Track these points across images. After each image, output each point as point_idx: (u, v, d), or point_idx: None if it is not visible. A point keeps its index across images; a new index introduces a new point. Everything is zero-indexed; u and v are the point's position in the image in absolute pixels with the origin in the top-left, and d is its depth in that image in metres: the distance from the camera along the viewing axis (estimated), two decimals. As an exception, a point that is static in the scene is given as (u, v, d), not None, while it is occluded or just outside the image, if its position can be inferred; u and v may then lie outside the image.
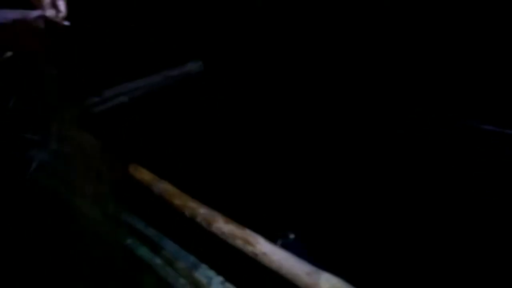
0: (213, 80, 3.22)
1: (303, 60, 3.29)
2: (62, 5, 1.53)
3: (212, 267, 1.52)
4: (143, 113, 2.79)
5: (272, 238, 1.32)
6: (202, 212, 1.51)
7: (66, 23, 1.68)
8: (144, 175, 1.79)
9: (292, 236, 1.82)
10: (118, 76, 2.78)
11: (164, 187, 1.68)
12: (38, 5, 1.58)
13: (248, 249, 1.34)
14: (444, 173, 2.55)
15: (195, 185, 1.75)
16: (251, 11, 3.51)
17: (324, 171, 2.63)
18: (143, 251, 1.77)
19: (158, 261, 1.70)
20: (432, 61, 2.85)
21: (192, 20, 3.35)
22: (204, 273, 1.50)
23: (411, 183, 2.49)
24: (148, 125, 2.75)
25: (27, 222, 1.96)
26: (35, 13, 1.48)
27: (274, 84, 3.33)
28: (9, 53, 1.64)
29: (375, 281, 1.57)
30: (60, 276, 1.84)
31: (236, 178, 2.41)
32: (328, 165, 2.68)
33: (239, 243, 1.36)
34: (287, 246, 1.39)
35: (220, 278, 1.47)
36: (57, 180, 2.21)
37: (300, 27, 3.28)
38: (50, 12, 1.51)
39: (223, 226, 1.42)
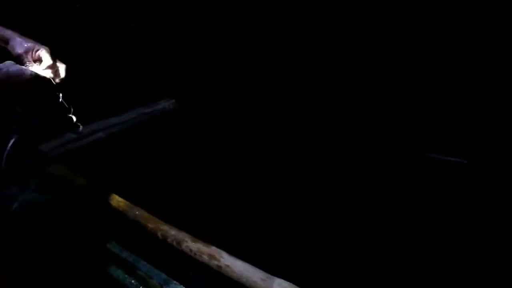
0: (186, 117, 3.45)
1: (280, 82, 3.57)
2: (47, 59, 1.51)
3: (181, 282, 1.69)
4: (120, 147, 2.97)
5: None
6: (172, 233, 1.69)
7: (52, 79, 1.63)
8: (119, 202, 1.95)
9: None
10: (93, 113, 2.97)
11: (138, 213, 1.85)
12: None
13: (213, 263, 1.52)
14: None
15: (166, 210, 1.93)
16: (225, 52, 3.81)
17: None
18: (119, 273, 1.92)
19: (132, 281, 1.86)
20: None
21: (165, 60, 3.63)
22: (174, 288, 1.68)
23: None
24: (124, 158, 2.92)
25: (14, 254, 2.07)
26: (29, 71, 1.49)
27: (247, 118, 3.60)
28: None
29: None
30: None
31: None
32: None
33: (205, 258, 1.55)
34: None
35: (189, 292, 1.64)
36: (37, 211, 2.34)
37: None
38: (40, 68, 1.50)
39: (191, 244, 1.61)
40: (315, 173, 3.14)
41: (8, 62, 1.33)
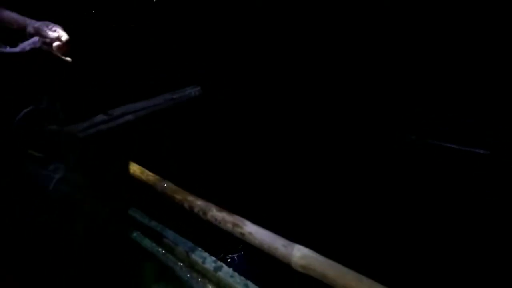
0: (211, 103, 3.57)
1: (299, 73, 3.67)
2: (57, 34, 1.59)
3: (206, 250, 1.80)
4: (148, 130, 3.10)
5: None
6: (199, 203, 1.79)
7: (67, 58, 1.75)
8: (149, 176, 2.07)
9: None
10: (123, 98, 3.12)
11: (166, 185, 1.96)
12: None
13: (237, 230, 1.61)
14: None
15: (193, 184, 2.04)
16: (247, 42, 3.91)
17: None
18: (147, 242, 2.04)
19: (159, 249, 1.97)
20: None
21: (192, 49, 3.76)
22: (199, 254, 1.78)
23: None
24: (153, 138, 3.05)
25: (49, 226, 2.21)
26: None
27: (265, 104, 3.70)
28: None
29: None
30: (73, 268, 2.08)
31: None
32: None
33: (229, 226, 1.64)
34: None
35: (213, 258, 1.74)
36: (71, 187, 2.49)
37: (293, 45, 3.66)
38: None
39: (217, 214, 1.70)
40: (332, 154, 3.23)
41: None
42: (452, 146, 3.04)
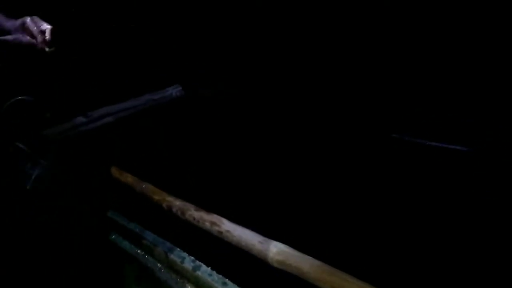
0: (192, 104, 3.56)
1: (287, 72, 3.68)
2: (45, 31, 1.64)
3: (184, 249, 1.79)
4: (129, 131, 3.08)
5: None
6: (177, 203, 1.79)
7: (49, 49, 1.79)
8: (128, 178, 2.06)
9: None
10: (101, 99, 3.09)
11: (145, 186, 1.95)
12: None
13: (214, 229, 1.62)
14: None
15: (171, 185, 2.04)
16: (231, 42, 3.91)
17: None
18: (126, 244, 2.03)
19: (139, 251, 1.97)
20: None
21: (173, 49, 3.74)
22: (178, 254, 1.78)
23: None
24: (132, 140, 3.03)
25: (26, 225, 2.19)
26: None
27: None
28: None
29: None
30: (49, 268, 2.06)
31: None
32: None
33: (207, 225, 1.65)
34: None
35: (191, 257, 1.74)
36: (49, 186, 2.47)
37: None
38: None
39: (195, 213, 1.71)
40: (316, 147, 3.25)
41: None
42: (436, 144, 3.10)
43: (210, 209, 1.72)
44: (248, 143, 3.36)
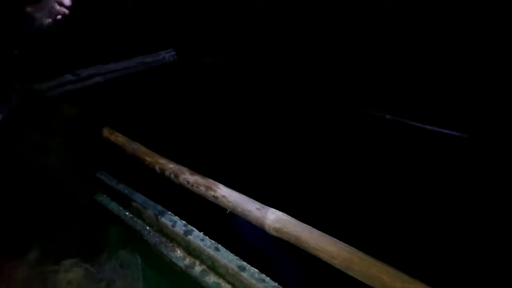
0: (186, 68, 3.47)
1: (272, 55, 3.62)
2: None
3: (176, 213, 1.75)
4: (119, 93, 2.98)
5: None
6: (171, 166, 1.72)
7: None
8: (118, 137, 1.98)
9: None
10: (92, 58, 2.96)
11: (136, 147, 1.88)
12: None
13: (210, 194, 1.57)
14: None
15: (165, 148, 1.97)
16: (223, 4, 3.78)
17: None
18: (114, 205, 1.97)
19: (127, 213, 1.91)
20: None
21: (167, 11, 3.60)
22: (169, 218, 1.73)
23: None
24: (124, 102, 2.94)
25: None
26: None
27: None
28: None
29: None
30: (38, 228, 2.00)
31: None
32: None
33: (202, 189, 1.60)
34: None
35: (183, 222, 1.70)
36: (33, 148, 2.37)
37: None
38: None
39: (189, 177, 1.65)
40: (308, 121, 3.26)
41: None
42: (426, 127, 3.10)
43: (206, 175, 1.67)
44: (242, 109, 3.31)
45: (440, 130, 3.00)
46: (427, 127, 3.04)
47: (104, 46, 3.17)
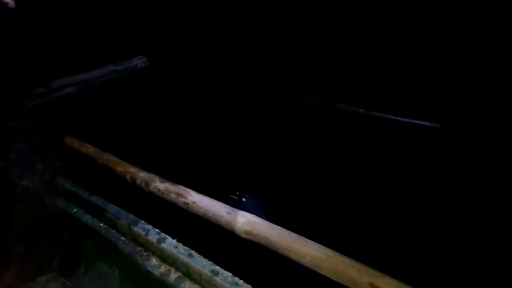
0: (159, 75, 3.44)
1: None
2: None
3: (149, 222, 1.73)
4: (91, 103, 2.94)
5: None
6: (141, 175, 1.72)
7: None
8: (89, 149, 1.96)
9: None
10: (63, 68, 2.92)
11: (107, 157, 1.86)
12: None
13: (180, 200, 1.57)
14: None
15: (135, 157, 1.96)
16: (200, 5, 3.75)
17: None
18: (87, 218, 1.94)
19: (101, 224, 1.89)
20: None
21: (139, 16, 3.57)
22: (142, 227, 1.71)
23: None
24: (95, 112, 2.90)
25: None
26: None
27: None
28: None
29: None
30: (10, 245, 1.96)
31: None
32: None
33: (173, 196, 1.59)
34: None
35: (156, 230, 1.69)
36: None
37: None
38: None
39: (159, 184, 1.65)
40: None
41: None
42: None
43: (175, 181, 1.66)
44: (214, 114, 3.30)
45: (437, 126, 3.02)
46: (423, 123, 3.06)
47: (75, 55, 3.12)
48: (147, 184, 1.69)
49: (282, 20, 3.35)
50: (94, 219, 1.92)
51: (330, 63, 3.25)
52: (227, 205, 1.46)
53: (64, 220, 2.01)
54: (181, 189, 1.60)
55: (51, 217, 2.05)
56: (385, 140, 2.96)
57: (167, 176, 1.76)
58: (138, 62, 3.23)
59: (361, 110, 3.04)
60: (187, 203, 1.55)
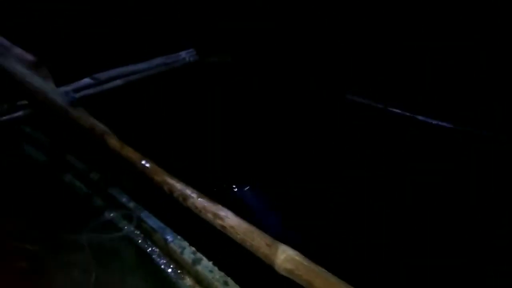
0: (209, 70, 3.34)
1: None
2: None
3: (185, 238, 1.64)
4: (138, 97, 2.90)
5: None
6: (179, 188, 1.61)
7: None
8: (129, 153, 1.89)
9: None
10: (112, 60, 2.88)
11: (147, 164, 1.78)
12: None
13: (217, 222, 1.45)
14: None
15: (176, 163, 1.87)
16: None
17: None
18: (124, 224, 1.89)
19: (138, 233, 1.83)
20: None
21: (188, 9, 3.46)
22: (179, 244, 1.63)
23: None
24: (141, 108, 2.86)
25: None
26: None
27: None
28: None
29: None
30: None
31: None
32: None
33: (209, 217, 1.47)
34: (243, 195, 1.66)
35: (192, 249, 1.59)
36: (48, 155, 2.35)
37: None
38: None
39: (197, 201, 1.53)
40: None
41: None
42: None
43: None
44: (257, 111, 3.20)
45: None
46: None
47: (124, 47, 3.09)
48: (184, 199, 1.58)
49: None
50: (131, 227, 1.87)
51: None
52: (266, 236, 1.32)
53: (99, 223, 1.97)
54: (220, 208, 1.48)
55: (91, 218, 2.01)
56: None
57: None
58: (187, 55, 3.13)
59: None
60: (224, 227, 1.42)
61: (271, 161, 2.86)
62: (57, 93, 2.40)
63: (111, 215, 1.94)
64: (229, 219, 1.43)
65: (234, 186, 2.73)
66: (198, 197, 1.56)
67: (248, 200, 2.60)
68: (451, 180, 2.57)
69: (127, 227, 1.86)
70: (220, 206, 1.49)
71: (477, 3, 2.55)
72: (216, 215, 1.46)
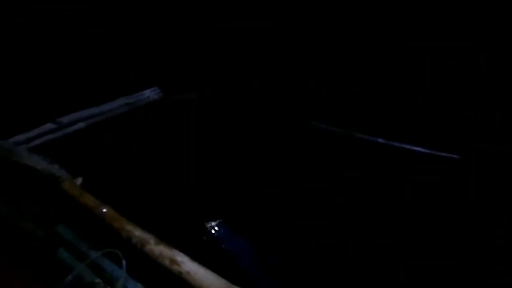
0: (174, 108, 3.36)
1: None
2: None
3: (143, 283, 1.61)
4: (100, 139, 2.88)
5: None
6: (137, 234, 1.60)
7: None
8: (88, 200, 1.87)
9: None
10: (73, 103, 2.88)
11: (105, 211, 1.76)
12: None
13: (175, 268, 1.44)
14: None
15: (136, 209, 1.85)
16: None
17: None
18: (87, 273, 1.84)
19: (99, 281, 1.78)
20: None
21: (151, 48, 3.51)
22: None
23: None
24: (106, 149, 2.84)
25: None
26: None
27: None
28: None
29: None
30: None
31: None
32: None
33: (166, 263, 1.46)
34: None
35: (151, 296, 1.56)
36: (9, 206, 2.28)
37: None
38: None
39: (154, 248, 1.52)
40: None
41: None
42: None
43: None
44: (226, 144, 3.21)
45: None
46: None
47: (86, 89, 3.09)
48: (142, 245, 1.57)
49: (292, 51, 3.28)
50: (93, 275, 1.82)
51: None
52: (222, 280, 1.32)
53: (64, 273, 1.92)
54: (176, 254, 1.48)
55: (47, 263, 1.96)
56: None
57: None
58: (151, 94, 3.15)
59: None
60: (181, 272, 1.42)
61: (241, 193, 2.86)
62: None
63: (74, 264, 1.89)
64: (185, 265, 1.42)
65: (205, 221, 2.71)
66: (155, 243, 1.55)
67: (219, 234, 2.58)
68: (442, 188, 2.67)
69: (90, 276, 1.81)
70: (176, 251, 1.49)
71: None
72: (172, 261, 1.46)
